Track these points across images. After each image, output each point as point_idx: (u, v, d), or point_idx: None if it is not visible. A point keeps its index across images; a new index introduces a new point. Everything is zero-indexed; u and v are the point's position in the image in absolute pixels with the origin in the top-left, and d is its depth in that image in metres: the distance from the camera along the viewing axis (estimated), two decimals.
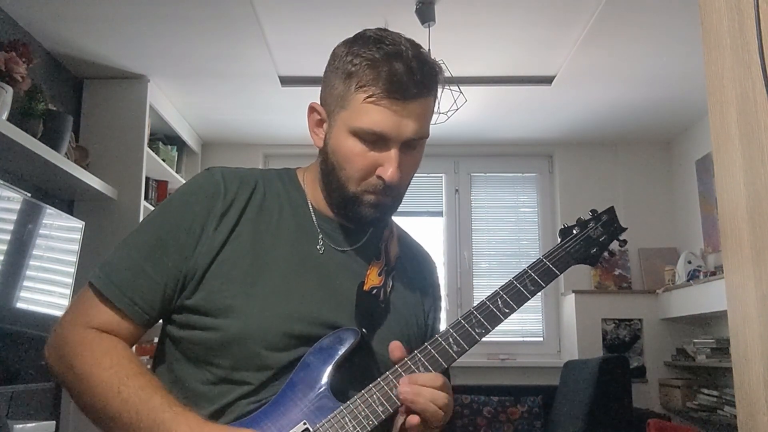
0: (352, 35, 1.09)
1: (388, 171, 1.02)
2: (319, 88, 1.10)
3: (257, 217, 1.07)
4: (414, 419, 0.96)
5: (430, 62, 1.04)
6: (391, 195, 1.07)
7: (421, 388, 0.96)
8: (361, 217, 1.07)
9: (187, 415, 0.92)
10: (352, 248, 1.12)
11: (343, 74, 1.03)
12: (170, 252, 1.02)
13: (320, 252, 1.09)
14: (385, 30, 1.06)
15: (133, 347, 1.05)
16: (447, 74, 2.74)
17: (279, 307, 1.02)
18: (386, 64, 0.99)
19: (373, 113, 1.00)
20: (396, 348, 1.01)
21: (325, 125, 1.08)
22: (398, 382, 0.98)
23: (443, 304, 1.29)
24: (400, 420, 0.99)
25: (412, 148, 1.06)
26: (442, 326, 1.14)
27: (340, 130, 1.04)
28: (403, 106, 1.01)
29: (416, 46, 1.04)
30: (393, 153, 1.03)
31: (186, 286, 1.03)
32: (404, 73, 0.99)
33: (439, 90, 1.08)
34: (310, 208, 1.12)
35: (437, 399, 0.96)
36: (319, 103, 1.10)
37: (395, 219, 1.22)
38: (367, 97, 1.00)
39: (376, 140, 1.02)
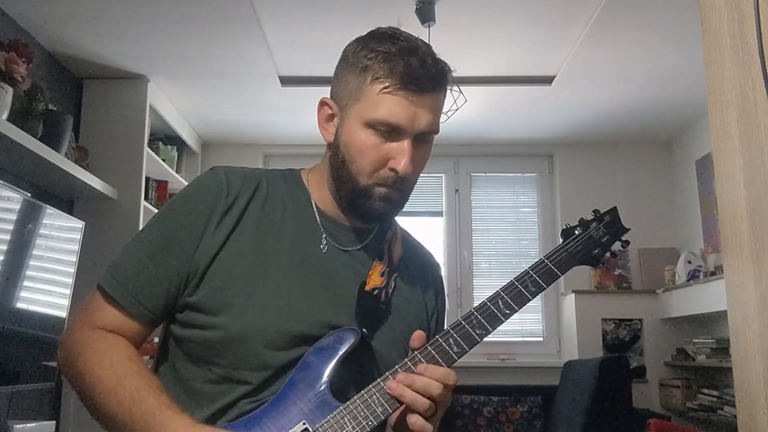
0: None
1: (401, 162, 1.03)
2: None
3: (260, 216, 1.07)
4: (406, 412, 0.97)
5: (441, 60, 1.06)
6: (401, 189, 1.07)
7: (415, 377, 0.97)
8: (371, 211, 1.07)
9: (176, 418, 0.92)
10: (355, 249, 1.12)
11: (358, 68, 1.04)
12: (174, 251, 1.03)
13: (324, 252, 1.09)
14: (398, 29, 1.08)
15: (141, 347, 1.05)
16: None
17: (280, 305, 1.02)
18: (402, 58, 1.01)
19: (388, 104, 1.01)
20: (417, 338, 1.02)
21: (335, 119, 1.09)
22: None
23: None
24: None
25: (424, 141, 1.07)
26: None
27: (353, 122, 1.05)
28: (418, 99, 1.02)
29: (428, 45, 1.06)
30: (406, 144, 1.04)
31: (189, 284, 1.03)
32: (419, 66, 1.01)
33: (448, 90, 1.10)
34: (314, 208, 1.12)
35: (429, 388, 0.96)
36: (329, 97, 1.11)
37: (397, 220, 1.22)
38: (383, 88, 1.01)
39: (390, 131, 1.03)
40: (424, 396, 0.96)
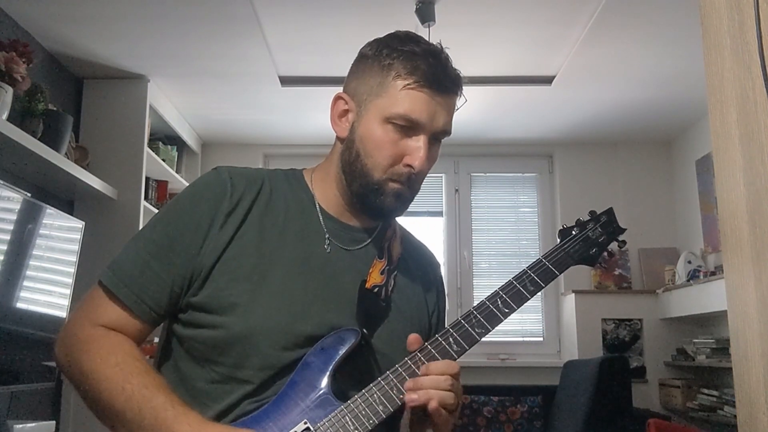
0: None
1: (418, 157, 1.05)
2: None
3: (263, 216, 1.08)
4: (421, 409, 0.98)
5: (455, 68, 1.10)
6: (412, 186, 1.09)
7: (422, 379, 0.98)
8: (382, 207, 1.08)
9: (188, 414, 0.92)
10: (358, 248, 1.13)
11: (380, 65, 1.06)
12: (177, 250, 1.03)
13: (327, 252, 1.10)
14: (416, 33, 1.11)
15: (141, 345, 1.06)
16: None
17: (284, 305, 1.03)
18: (425, 58, 1.05)
19: (410, 100, 1.04)
20: (413, 341, 1.03)
21: (350, 115, 1.10)
22: (398, 381, 0.99)
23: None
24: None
25: (436, 141, 1.09)
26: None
27: (372, 117, 1.06)
28: (438, 98, 1.05)
29: (446, 51, 1.09)
30: (423, 141, 1.06)
31: (192, 284, 1.03)
32: (441, 68, 1.05)
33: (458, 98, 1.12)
34: (317, 208, 1.13)
35: (438, 384, 0.97)
36: (344, 93, 1.12)
37: (397, 219, 1.23)
38: (406, 84, 1.04)
39: (408, 127, 1.05)
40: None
